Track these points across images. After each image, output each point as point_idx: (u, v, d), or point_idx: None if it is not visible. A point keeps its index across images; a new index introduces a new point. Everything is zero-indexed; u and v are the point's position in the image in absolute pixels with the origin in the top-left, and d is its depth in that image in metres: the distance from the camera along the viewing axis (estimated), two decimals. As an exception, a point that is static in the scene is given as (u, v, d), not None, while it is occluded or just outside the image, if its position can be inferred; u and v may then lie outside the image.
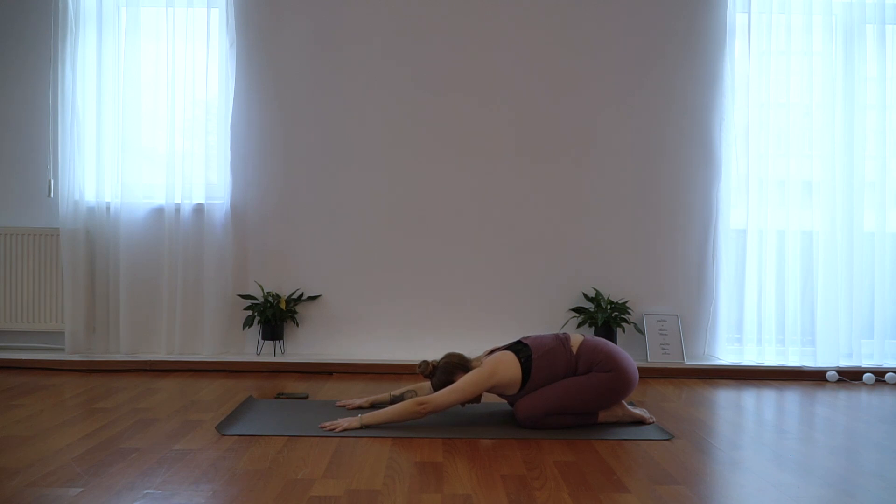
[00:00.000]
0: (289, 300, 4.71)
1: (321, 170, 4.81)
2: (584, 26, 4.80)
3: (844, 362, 4.68)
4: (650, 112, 4.82)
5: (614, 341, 4.61)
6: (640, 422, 3.42)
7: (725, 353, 4.77)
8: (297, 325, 4.81)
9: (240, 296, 4.76)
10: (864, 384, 4.48)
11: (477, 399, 3.37)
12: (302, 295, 4.78)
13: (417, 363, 3.52)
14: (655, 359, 4.68)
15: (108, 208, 4.73)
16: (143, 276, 4.72)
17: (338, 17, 4.79)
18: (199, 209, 4.73)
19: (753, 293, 4.74)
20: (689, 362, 4.69)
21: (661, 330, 4.75)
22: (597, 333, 4.62)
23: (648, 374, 4.54)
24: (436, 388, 3.41)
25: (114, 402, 3.72)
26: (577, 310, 4.75)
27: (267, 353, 4.75)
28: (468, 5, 4.79)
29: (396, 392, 3.68)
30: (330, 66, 4.79)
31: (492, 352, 3.47)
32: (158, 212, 4.75)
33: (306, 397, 3.89)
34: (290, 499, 2.44)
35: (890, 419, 3.65)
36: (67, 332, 4.67)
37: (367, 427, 3.24)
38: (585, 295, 4.80)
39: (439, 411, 3.31)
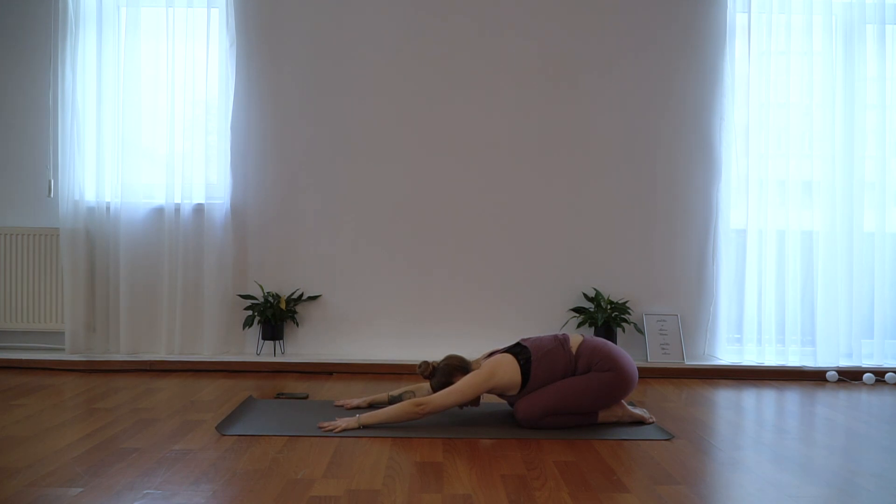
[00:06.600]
0: (289, 300, 4.71)
1: (321, 170, 4.81)
2: (584, 26, 4.80)
3: (844, 362, 4.68)
4: (650, 112, 4.82)
5: (614, 341, 4.61)
6: (640, 422, 3.42)
7: (725, 353, 4.77)
8: (297, 325, 4.81)
9: (240, 296, 4.76)
10: (864, 384, 4.48)
11: (476, 402, 3.37)
12: (302, 295, 4.78)
13: (417, 364, 3.52)
14: (655, 359, 4.68)
15: (108, 208, 4.73)
16: (143, 276, 4.72)
17: (338, 16, 4.79)
18: (199, 209, 4.73)
19: (753, 293, 4.74)
20: (689, 362, 4.69)
21: (661, 330, 4.75)
22: (597, 333, 4.62)
23: (648, 374, 4.54)
24: (435, 389, 3.40)
25: (114, 402, 3.72)
26: (577, 310, 4.75)
27: (267, 353, 4.75)
28: (470, 5, 4.79)
29: (395, 392, 3.67)
30: (330, 65, 4.79)
31: (491, 354, 3.46)
32: (158, 212, 4.75)
33: (306, 397, 3.89)
34: (290, 499, 2.44)
35: (890, 419, 3.65)
36: (67, 332, 4.67)
37: (365, 427, 3.24)
38: (585, 295, 4.80)
39: (437, 412, 3.31)
